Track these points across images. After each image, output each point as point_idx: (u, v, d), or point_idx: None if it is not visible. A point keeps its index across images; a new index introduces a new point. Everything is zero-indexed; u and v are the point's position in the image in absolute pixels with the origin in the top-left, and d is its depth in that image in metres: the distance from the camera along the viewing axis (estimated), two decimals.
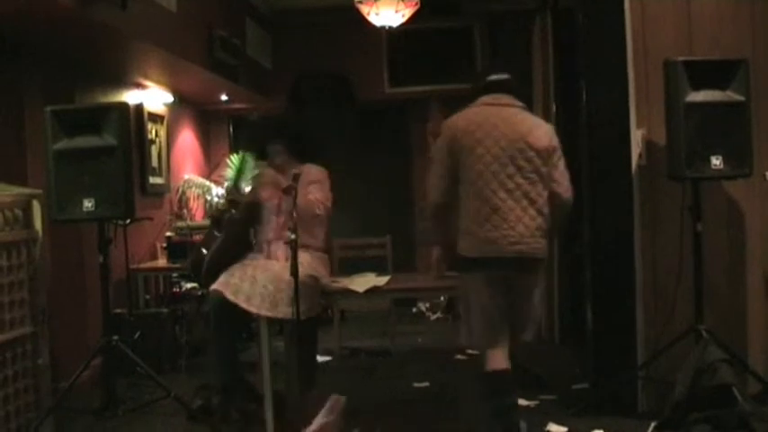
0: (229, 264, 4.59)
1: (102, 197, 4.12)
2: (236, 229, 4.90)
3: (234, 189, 6.47)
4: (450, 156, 3.80)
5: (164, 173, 7.53)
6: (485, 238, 3.71)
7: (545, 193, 3.78)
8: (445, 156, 3.82)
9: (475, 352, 6.43)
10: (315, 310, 4.61)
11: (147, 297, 6.80)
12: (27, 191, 4.57)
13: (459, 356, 6.46)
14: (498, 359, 3.81)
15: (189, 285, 6.86)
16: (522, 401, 4.79)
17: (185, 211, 7.78)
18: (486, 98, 3.92)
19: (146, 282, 6.77)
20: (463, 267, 3.83)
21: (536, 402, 4.89)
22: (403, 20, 6.70)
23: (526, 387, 4.90)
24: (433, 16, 8.29)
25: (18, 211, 4.38)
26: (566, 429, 4.31)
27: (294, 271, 4.03)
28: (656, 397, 4.42)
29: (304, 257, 4.43)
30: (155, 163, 7.33)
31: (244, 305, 4.35)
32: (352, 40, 8.67)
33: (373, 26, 6.85)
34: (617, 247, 4.63)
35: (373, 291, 4.56)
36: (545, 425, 4.38)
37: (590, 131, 4.82)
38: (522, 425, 3.91)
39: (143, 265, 6.73)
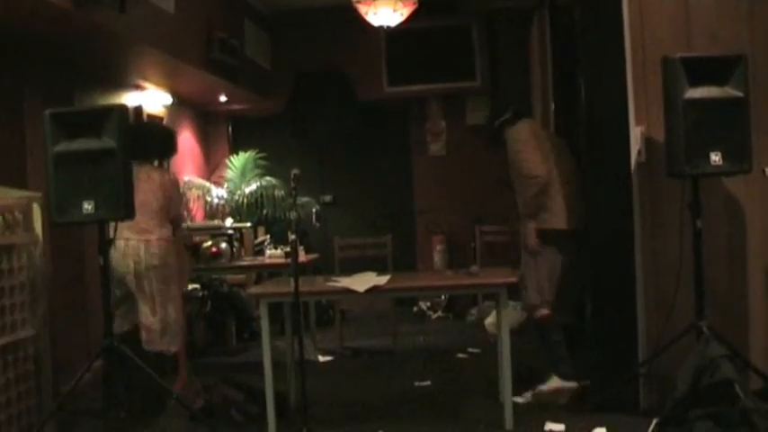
0: None
1: (102, 199, 4.11)
2: None
3: None
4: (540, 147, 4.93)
5: None
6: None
7: None
8: (536, 146, 4.92)
9: (476, 350, 6.50)
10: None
11: None
12: (27, 194, 4.58)
13: (460, 355, 6.48)
14: None
15: (190, 287, 6.87)
16: (521, 399, 4.82)
17: (185, 212, 7.79)
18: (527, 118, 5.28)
19: None
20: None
21: None
22: (401, 19, 6.70)
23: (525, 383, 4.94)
24: (432, 15, 8.29)
25: (18, 215, 4.38)
26: (563, 427, 4.32)
27: (295, 273, 4.06)
28: (657, 394, 4.42)
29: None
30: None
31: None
32: (351, 40, 8.68)
33: (372, 26, 6.85)
34: (617, 245, 4.63)
35: (374, 290, 4.55)
36: (544, 423, 4.39)
37: (589, 129, 4.82)
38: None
39: None
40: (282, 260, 6.29)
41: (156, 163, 5.35)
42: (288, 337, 5.11)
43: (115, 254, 4.90)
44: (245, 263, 6.76)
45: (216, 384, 4.94)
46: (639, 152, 4.52)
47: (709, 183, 4.30)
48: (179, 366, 5.16)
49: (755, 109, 4.21)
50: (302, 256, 6.06)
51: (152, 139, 5.29)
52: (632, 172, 4.54)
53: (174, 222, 5.23)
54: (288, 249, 5.75)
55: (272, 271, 6.72)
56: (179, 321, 5.10)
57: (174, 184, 5.34)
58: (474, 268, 4.96)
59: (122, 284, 5.00)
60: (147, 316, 4.98)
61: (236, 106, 8.95)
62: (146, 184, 4.97)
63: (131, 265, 4.94)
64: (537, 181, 4.82)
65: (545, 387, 4.87)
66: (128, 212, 4.23)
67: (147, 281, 4.96)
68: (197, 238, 6.54)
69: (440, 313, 8.56)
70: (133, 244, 4.93)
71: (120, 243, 4.91)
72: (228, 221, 7.67)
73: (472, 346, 6.71)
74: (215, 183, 8.62)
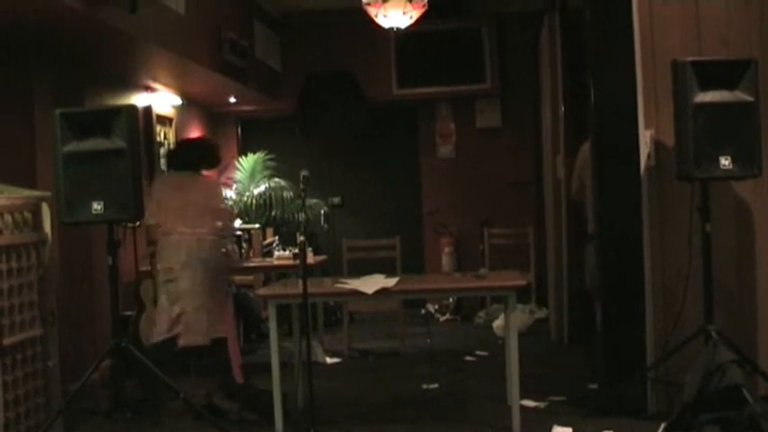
0: None
1: (111, 199, 4.13)
2: None
3: None
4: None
5: None
6: None
7: None
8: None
9: (484, 353, 6.49)
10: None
11: None
12: (36, 193, 4.59)
13: (468, 358, 6.47)
14: None
15: None
16: (530, 402, 4.80)
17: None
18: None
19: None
20: None
21: (545, 403, 4.89)
22: (411, 21, 6.68)
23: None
24: (442, 17, 8.28)
25: (27, 214, 4.40)
26: (570, 430, 4.31)
27: (303, 273, 4.07)
28: (665, 398, 4.40)
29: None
30: (163, 165, 7.34)
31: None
32: (361, 42, 8.68)
33: (381, 28, 6.85)
34: (626, 248, 4.62)
35: (382, 292, 4.55)
36: (552, 426, 4.38)
37: (598, 132, 4.81)
38: None
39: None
40: (291, 261, 6.29)
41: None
42: (295, 338, 5.11)
43: (166, 248, 5.10)
44: (253, 264, 6.77)
45: (211, 393, 4.92)
46: (649, 156, 4.51)
47: (718, 186, 4.29)
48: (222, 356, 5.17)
49: (765, 113, 4.20)
50: (310, 258, 6.06)
51: (195, 153, 5.47)
52: (642, 175, 4.53)
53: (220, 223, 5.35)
54: (296, 251, 5.76)
55: (281, 272, 6.72)
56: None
57: (215, 187, 5.68)
58: (482, 271, 4.96)
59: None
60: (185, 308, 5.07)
61: (245, 107, 8.96)
62: (189, 188, 5.21)
63: (183, 256, 5.03)
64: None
65: None
66: (137, 213, 4.24)
67: (192, 271, 5.05)
68: None
69: (448, 316, 8.55)
70: (187, 238, 5.06)
71: (174, 237, 5.09)
72: (237, 223, 7.68)
73: (480, 348, 6.70)
74: (224, 184, 8.62)
